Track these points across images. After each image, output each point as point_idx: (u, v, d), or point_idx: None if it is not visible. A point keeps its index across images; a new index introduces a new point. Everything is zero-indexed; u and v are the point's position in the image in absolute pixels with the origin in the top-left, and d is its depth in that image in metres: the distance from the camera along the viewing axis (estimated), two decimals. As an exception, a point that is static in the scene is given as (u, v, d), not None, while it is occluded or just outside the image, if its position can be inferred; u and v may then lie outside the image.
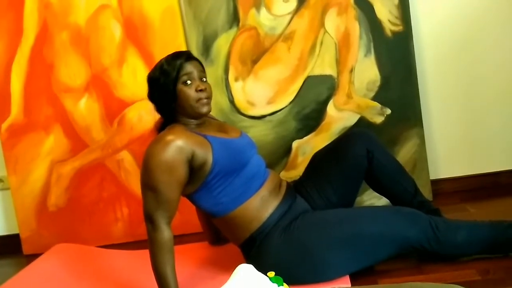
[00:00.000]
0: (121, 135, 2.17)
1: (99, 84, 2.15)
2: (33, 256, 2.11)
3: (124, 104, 2.15)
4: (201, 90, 1.48)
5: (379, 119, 2.06)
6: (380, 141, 1.71)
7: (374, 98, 2.06)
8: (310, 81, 2.07)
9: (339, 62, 2.05)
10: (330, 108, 2.07)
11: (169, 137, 1.42)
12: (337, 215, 1.51)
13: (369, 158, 1.63)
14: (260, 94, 2.10)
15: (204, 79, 1.53)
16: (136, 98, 2.13)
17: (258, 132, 2.11)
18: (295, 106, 2.09)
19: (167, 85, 1.48)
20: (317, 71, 2.06)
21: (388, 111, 2.05)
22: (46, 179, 2.21)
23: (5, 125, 2.19)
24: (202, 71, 1.54)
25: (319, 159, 1.73)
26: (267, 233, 1.48)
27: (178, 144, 1.40)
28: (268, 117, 2.10)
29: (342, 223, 1.47)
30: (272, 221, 1.49)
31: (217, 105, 2.11)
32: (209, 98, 1.51)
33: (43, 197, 2.22)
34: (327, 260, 1.44)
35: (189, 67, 1.49)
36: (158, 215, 1.41)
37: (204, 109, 1.50)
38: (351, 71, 2.05)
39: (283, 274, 1.11)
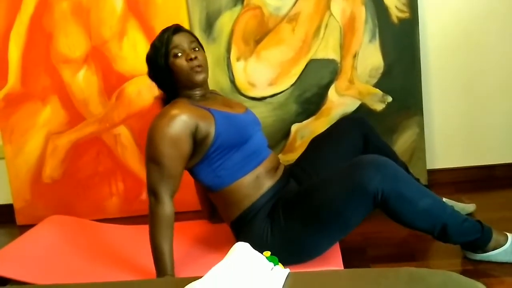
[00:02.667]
0: (119, 109, 2.14)
1: (99, 57, 2.12)
2: (27, 227, 2.10)
3: (123, 78, 2.12)
4: (191, 59, 1.48)
5: (379, 106, 2.05)
6: (374, 128, 1.73)
7: (376, 85, 2.04)
8: (313, 64, 2.05)
9: (343, 46, 2.03)
10: (331, 93, 2.06)
11: (174, 111, 1.43)
12: (306, 190, 1.48)
13: (365, 142, 1.67)
14: (262, 75, 2.07)
15: (196, 49, 1.53)
16: (135, 72, 2.10)
17: (258, 114, 2.04)
18: (296, 89, 2.07)
19: (160, 60, 1.50)
20: (320, 55, 2.04)
21: (389, 99, 2.04)
22: (41, 151, 2.19)
23: (1, 94, 2.16)
24: (193, 41, 1.55)
25: (317, 143, 1.74)
26: (255, 214, 1.49)
27: (183, 118, 1.41)
28: (268, 99, 2.09)
29: (307, 197, 1.45)
30: (263, 202, 1.50)
31: (218, 85, 2.08)
32: (201, 65, 1.51)
33: (38, 169, 2.20)
34: (306, 239, 1.44)
35: (177, 39, 1.50)
36: (162, 188, 1.42)
37: (199, 77, 1.51)
38: (355, 56, 2.03)
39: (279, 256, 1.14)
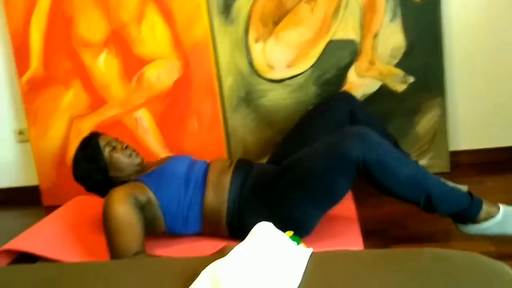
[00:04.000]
0: (139, 93, 2.17)
1: (118, 40, 2.14)
2: (53, 208, 2.17)
3: (143, 62, 2.13)
4: (126, 147, 1.59)
5: (401, 87, 2.02)
6: (360, 102, 1.81)
7: (398, 65, 2.01)
8: (332, 45, 2.02)
9: (363, 26, 1.99)
10: (351, 74, 2.03)
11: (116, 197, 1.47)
12: (289, 164, 1.49)
13: (351, 117, 1.69)
14: (280, 56, 2.06)
15: (119, 140, 1.64)
16: (154, 56, 2.12)
17: (277, 96, 2.09)
18: (315, 70, 2.05)
19: (98, 164, 1.56)
20: (340, 35, 2.01)
21: (411, 79, 2.01)
22: (65, 134, 2.24)
23: (25, 78, 2.21)
24: (112, 137, 1.65)
25: (300, 123, 1.77)
26: (238, 211, 1.51)
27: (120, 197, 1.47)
28: (287, 81, 2.08)
29: (290, 170, 1.47)
30: (234, 196, 1.52)
31: (236, 68, 2.08)
32: (135, 150, 1.62)
33: (62, 151, 2.25)
34: (297, 211, 1.45)
35: (103, 139, 1.60)
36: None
37: (138, 159, 1.61)
38: (375, 36, 1.99)
39: None
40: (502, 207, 1.40)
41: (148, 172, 1.60)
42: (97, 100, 2.19)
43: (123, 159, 1.58)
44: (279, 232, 0.95)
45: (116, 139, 1.63)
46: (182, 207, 1.53)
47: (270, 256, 0.85)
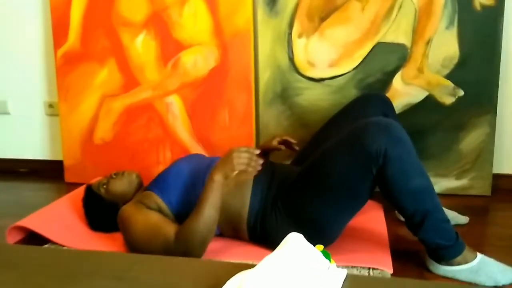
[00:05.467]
0: (173, 78, 2.11)
1: (158, 22, 2.08)
2: (74, 185, 2.15)
3: (181, 47, 2.07)
4: (115, 174, 1.61)
5: (449, 100, 1.89)
6: (394, 108, 1.69)
7: (448, 76, 1.88)
8: (380, 48, 1.91)
9: (416, 31, 1.87)
10: (397, 81, 1.92)
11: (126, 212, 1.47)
12: (310, 165, 1.41)
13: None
14: (323, 55, 1.96)
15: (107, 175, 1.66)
16: (193, 41, 2.05)
17: (314, 96, 1.99)
18: (358, 73, 1.94)
19: (104, 204, 1.59)
20: (390, 38, 1.90)
21: (461, 93, 1.87)
22: (95, 112, 2.21)
23: (61, 51, 2.18)
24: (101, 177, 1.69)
25: (329, 123, 1.68)
26: (262, 215, 1.43)
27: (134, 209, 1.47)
28: (327, 81, 1.98)
29: (312, 170, 1.39)
30: (257, 199, 1.44)
31: (275, 62, 2.00)
32: (124, 171, 1.63)
33: (90, 129, 2.23)
34: (320, 214, 1.37)
35: (94, 185, 1.63)
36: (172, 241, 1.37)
37: (133, 175, 1.62)
38: (428, 43, 1.87)
39: None
40: (479, 255, 1.32)
41: (154, 179, 1.57)
42: (130, 81, 2.15)
43: (119, 184, 1.58)
44: (311, 246, 0.86)
45: (105, 176, 1.64)
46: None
47: (302, 273, 0.76)
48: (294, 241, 0.83)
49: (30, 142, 2.43)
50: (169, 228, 1.37)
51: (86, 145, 2.24)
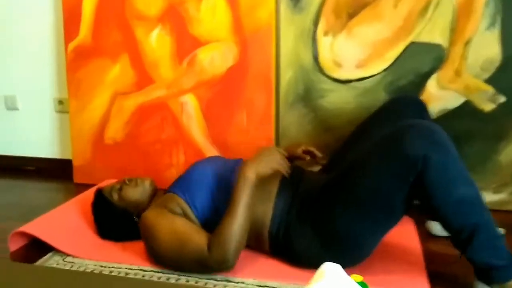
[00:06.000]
0: (189, 76, 1.98)
1: (174, 17, 1.96)
2: (83, 186, 2.05)
3: (197, 43, 1.95)
4: (129, 180, 1.50)
5: (488, 107, 1.73)
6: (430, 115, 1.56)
7: (488, 81, 1.71)
8: (413, 48, 1.75)
9: (454, 31, 1.71)
10: (431, 84, 1.76)
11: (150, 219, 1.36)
12: (341, 173, 1.28)
13: None
14: (351, 54, 1.81)
15: (120, 180, 1.55)
16: (211, 38, 1.92)
17: (339, 99, 1.85)
18: (389, 74, 1.79)
19: (116, 212, 1.48)
20: (425, 38, 1.74)
21: (502, 99, 1.71)
22: (106, 110, 2.10)
23: (72, 45, 2.08)
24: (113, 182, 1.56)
25: (361, 128, 1.55)
26: (285, 225, 1.31)
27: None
28: (354, 83, 1.83)
29: (342, 179, 1.26)
30: (282, 207, 1.32)
31: (298, 61, 1.86)
32: (138, 178, 1.52)
33: (101, 127, 2.12)
34: (350, 228, 1.23)
35: (105, 190, 1.51)
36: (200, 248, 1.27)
37: (147, 182, 1.51)
38: (467, 43, 1.71)
39: (320, 265, 1.09)
40: None
41: (175, 181, 1.46)
42: (143, 78, 2.03)
43: (133, 191, 1.48)
44: (349, 279, 0.73)
45: (117, 181, 1.53)
46: (219, 214, 1.33)
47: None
48: (331, 273, 0.70)
49: (39, 140, 2.33)
50: (200, 236, 1.27)
51: (96, 145, 2.14)
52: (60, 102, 2.25)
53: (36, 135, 2.33)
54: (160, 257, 1.33)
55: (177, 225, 1.29)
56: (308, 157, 1.53)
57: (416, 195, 1.18)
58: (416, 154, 1.11)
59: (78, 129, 2.15)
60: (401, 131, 1.16)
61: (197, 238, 1.26)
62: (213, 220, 1.32)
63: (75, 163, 2.18)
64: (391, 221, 1.24)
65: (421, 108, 1.51)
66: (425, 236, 1.54)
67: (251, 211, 1.27)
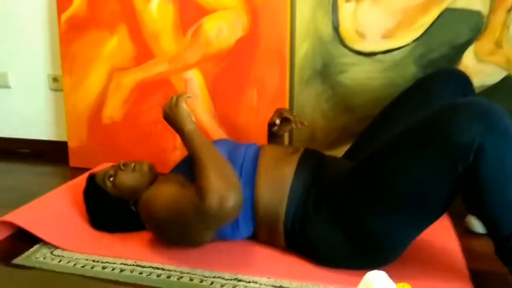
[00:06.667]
0: (194, 49, 1.79)
1: (177, -18, 1.76)
2: (79, 170, 1.89)
3: (203, 11, 1.75)
4: (124, 164, 1.34)
5: (534, 82, 1.53)
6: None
7: (535, 53, 1.51)
8: (448, 15, 1.54)
9: (496, -5, 1.50)
10: (468, 57, 1.56)
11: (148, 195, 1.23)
12: (369, 158, 1.09)
13: None
14: (376, 23, 1.61)
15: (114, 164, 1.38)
16: (218, 5, 1.72)
17: (363, 74, 1.65)
18: (419, 46, 1.59)
19: (110, 201, 1.31)
20: (461, 3, 1.53)
21: (549, 74, 1.51)
22: (103, 87, 1.92)
23: (65, 15, 1.89)
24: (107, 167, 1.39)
25: (395, 105, 1.36)
26: (301, 217, 1.14)
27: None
28: (380, 56, 1.63)
29: (370, 165, 1.08)
30: (298, 197, 1.15)
31: (316, 32, 1.66)
32: (134, 162, 1.36)
33: (98, 106, 1.94)
34: (378, 223, 1.06)
35: (98, 176, 1.35)
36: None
37: (145, 166, 1.34)
38: (509, 11, 1.50)
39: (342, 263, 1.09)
40: None
41: (180, 161, 1.30)
42: (143, 52, 1.84)
43: (129, 177, 1.31)
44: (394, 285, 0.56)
45: (112, 166, 1.36)
46: None
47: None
48: (377, 281, 0.53)
49: (34, 121, 2.16)
50: (188, 190, 1.12)
51: (93, 125, 1.96)
52: (55, 79, 2.07)
53: (30, 115, 2.16)
54: (162, 228, 1.19)
55: (171, 188, 1.16)
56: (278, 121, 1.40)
57: (462, 190, 0.99)
58: (469, 142, 0.91)
59: (73, 108, 1.98)
60: (447, 112, 0.96)
61: (187, 193, 1.11)
62: None
63: (71, 145, 2.01)
64: (430, 219, 1.05)
65: (465, 84, 1.30)
66: (463, 232, 1.36)
67: (213, 147, 1.19)
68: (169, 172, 1.31)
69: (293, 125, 1.39)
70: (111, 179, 1.31)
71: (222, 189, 1.04)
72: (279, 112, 1.41)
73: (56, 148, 2.11)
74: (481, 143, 0.91)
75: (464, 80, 1.31)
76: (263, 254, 1.21)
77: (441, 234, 1.30)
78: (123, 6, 1.82)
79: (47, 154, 2.13)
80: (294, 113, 1.45)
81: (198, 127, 1.22)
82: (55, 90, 2.09)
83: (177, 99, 1.23)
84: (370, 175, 1.06)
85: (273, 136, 1.46)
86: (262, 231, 1.21)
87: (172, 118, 1.23)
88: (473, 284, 1.08)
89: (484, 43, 1.54)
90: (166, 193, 1.16)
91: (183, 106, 1.22)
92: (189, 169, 1.20)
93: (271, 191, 1.17)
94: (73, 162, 2.02)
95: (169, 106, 1.23)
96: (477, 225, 1.35)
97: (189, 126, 1.20)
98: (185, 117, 1.21)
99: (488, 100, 0.97)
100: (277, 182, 1.17)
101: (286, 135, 1.74)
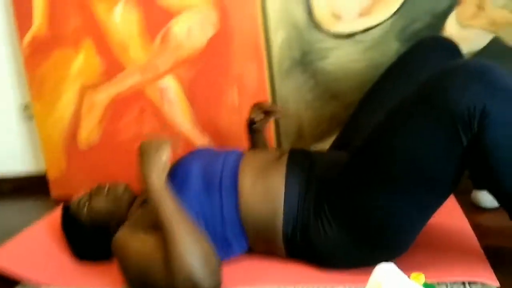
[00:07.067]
0: (165, 55, 1.70)
1: (139, -12, 1.68)
2: (61, 201, 1.77)
3: (169, 14, 1.66)
4: (97, 188, 1.26)
5: (524, 40, 1.45)
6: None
7: (520, 10, 1.44)
8: (425, -17, 1.48)
9: (471, -46, 1.44)
10: (451, 24, 1.49)
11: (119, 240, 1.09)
12: (364, 145, 1.00)
13: None
14: (351, 2, 1.54)
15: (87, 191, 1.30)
16: (183, 5, 1.65)
17: (344, 57, 1.57)
18: (399, 19, 1.51)
19: (87, 228, 1.22)
20: (436, -31, 1.47)
21: (539, 30, 1.44)
22: (75, 108, 1.82)
23: (27, 38, 1.79)
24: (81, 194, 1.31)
25: (380, 83, 1.28)
26: (302, 226, 1.04)
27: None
28: (359, 36, 1.55)
29: (366, 152, 0.99)
30: (294, 205, 1.05)
31: (290, 19, 1.58)
32: (106, 185, 1.28)
33: (72, 130, 1.84)
34: (383, 213, 0.96)
35: (72, 205, 1.27)
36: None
37: (120, 188, 1.27)
38: (488, -32, 1.44)
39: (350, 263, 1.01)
40: None
41: None
42: (113, 65, 1.75)
43: (103, 201, 1.23)
44: (411, 282, 0.47)
45: (85, 192, 1.29)
46: (214, 223, 1.07)
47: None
48: (387, 275, 0.43)
49: (9, 157, 2.04)
50: (160, 252, 0.97)
51: (70, 151, 1.86)
52: (26, 107, 1.97)
53: (5, 149, 2.04)
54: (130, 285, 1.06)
55: (145, 246, 1.01)
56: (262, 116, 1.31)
57: (469, 164, 0.89)
58: (469, 107, 0.82)
59: (47, 136, 1.87)
60: (440, 78, 0.87)
61: (156, 256, 0.97)
62: (206, 230, 1.05)
63: (50, 176, 1.90)
64: (438, 199, 0.96)
65: (453, 50, 1.21)
66: (470, 209, 1.26)
67: (183, 212, 1.00)
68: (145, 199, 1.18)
69: (278, 115, 1.30)
70: (86, 206, 1.21)
71: (195, 271, 0.91)
72: (258, 107, 1.33)
73: (36, 181, 1.99)
74: (483, 107, 0.81)
75: (449, 46, 1.23)
76: (262, 264, 1.11)
77: (448, 215, 1.20)
78: (85, 20, 1.73)
79: (27, 189, 2.01)
80: (273, 104, 1.37)
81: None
82: (29, 118, 1.97)
83: (161, 145, 1.03)
84: (368, 163, 0.97)
85: (254, 132, 1.37)
86: (259, 245, 1.11)
87: (145, 160, 1.03)
88: (488, 261, 0.99)
89: (466, 7, 1.47)
90: (134, 252, 1.03)
91: (164, 157, 1.01)
92: None
93: (262, 203, 1.07)
94: (55, 193, 1.90)
95: (149, 144, 1.05)
96: (485, 200, 1.26)
97: (161, 180, 1.01)
98: (160, 168, 1.01)
99: (483, 60, 0.88)
100: (268, 193, 1.07)
101: (271, 128, 1.65)
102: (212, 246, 0.98)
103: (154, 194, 1.00)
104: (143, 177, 1.02)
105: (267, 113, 1.32)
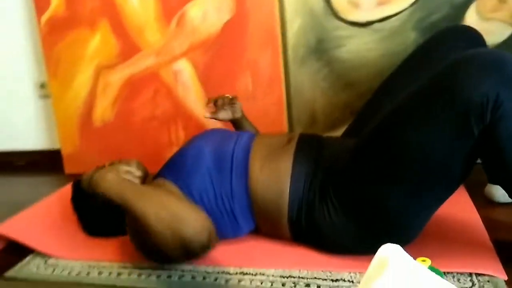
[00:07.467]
0: (180, 38, 1.70)
1: (157, -30, 1.68)
2: (75, 176, 1.81)
3: (186, -2, 1.66)
4: (110, 165, 1.20)
5: (545, 36, 1.42)
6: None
7: (543, 4, 1.41)
8: (446, -27, 1.45)
9: None
10: (471, 16, 1.45)
11: None
12: (374, 131, 0.99)
13: None
14: (369, -10, 1.51)
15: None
16: (201, -11, 1.64)
17: (361, 46, 1.55)
18: (418, 9, 1.49)
19: (98, 202, 1.15)
20: (459, -41, 1.43)
21: (562, 25, 1.40)
22: (91, 87, 1.84)
23: (44, 17, 1.81)
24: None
25: (397, 73, 1.25)
26: (307, 208, 1.05)
27: None
28: (376, 25, 1.53)
29: (376, 150, 0.97)
30: (300, 188, 1.06)
31: (306, 6, 1.56)
32: (119, 161, 1.24)
33: (88, 108, 1.87)
34: (390, 202, 0.96)
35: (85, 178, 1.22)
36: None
37: (133, 163, 1.23)
38: (512, -40, 1.40)
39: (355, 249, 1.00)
40: None
41: (166, 163, 1.20)
42: (129, 47, 1.76)
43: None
44: (418, 264, 0.47)
45: (96, 167, 1.24)
46: (223, 198, 1.08)
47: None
48: (396, 260, 0.44)
49: (25, 132, 2.08)
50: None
51: (84, 129, 1.89)
52: (42, 85, 2.00)
53: (21, 126, 2.09)
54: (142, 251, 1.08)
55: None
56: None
57: (482, 157, 0.89)
58: (482, 98, 0.81)
59: (62, 114, 1.90)
60: (454, 66, 0.85)
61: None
62: (215, 207, 1.07)
63: (64, 152, 1.94)
64: (448, 190, 0.95)
65: (478, 40, 1.17)
66: (482, 203, 1.26)
67: (142, 189, 1.03)
68: (156, 175, 1.21)
69: (234, 100, 1.33)
70: None
71: (183, 229, 0.92)
72: (207, 101, 1.36)
73: (50, 157, 2.03)
74: (497, 98, 0.80)
75: (473, 36, 1.18)
76: (268, 246, 1.12)
77: (459, 207, 1.20)
78: (102, 1, 1.74)
79: (41, 164, 2.06)
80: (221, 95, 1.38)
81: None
82: (45, 97, 2.01)
83: (110, 166, 1.12)
84: (377, 149, 0.96)
85: (237, 123, 1.39)
86: (265, 225, 1.12)
87: (97, 175, 1.08)
88: (498, 255, 0.99)
89: (487, 0, 1.43)
90: None
91: (113, 174, 1.08)
92: (177, 173, 1.13)
93: (269, 183, 1.07)
94: (68, 169, 1.94)
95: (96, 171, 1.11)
96: (498, 195, 1.26)
97: (117, 176, 1.07)
98: (113, 169, 1.10)
99: (500, 50, 0.87)
100: (275, 175, 1.08)
101: (283, 115, 1.65)
102: (200, 209, 0.99)
103: (116, 186, 1.04)
104: (99, 182, 1.06)
105: (223, 102, 1.34)
